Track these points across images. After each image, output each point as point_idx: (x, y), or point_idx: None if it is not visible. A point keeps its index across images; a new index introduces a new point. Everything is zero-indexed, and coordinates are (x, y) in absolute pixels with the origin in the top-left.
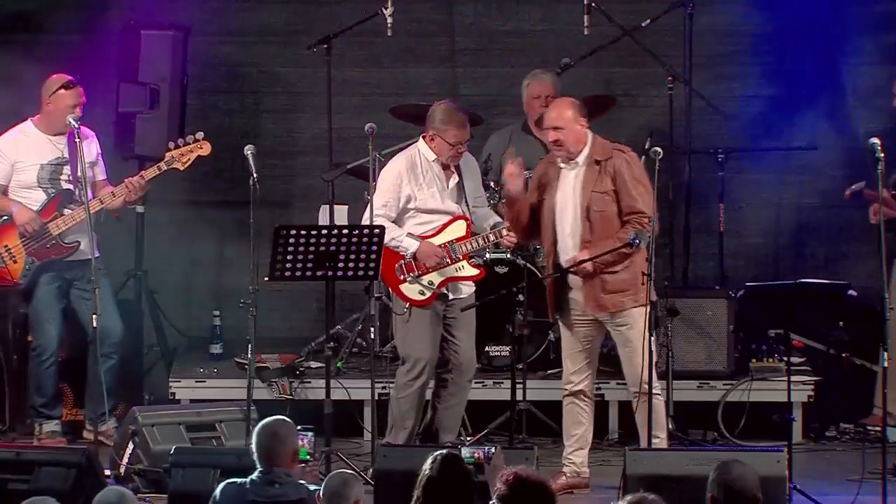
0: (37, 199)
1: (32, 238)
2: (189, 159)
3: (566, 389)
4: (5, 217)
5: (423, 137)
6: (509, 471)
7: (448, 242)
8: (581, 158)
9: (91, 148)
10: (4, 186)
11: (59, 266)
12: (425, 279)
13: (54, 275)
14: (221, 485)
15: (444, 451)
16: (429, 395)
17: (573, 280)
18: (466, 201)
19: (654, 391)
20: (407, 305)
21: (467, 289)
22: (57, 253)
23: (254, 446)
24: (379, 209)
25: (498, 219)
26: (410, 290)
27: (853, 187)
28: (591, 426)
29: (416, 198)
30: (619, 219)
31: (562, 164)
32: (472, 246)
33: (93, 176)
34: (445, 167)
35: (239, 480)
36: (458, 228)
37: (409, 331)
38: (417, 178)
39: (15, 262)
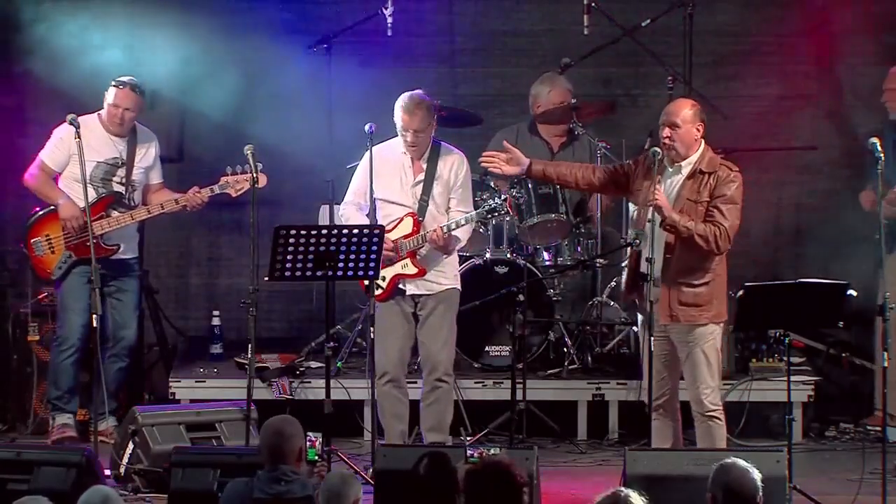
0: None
1: (75, 233)
2: (242, 188)
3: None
4: (52, 207)
5: None
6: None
7: (397, 239)
8: (686, 164)
9: (150, 152)
10: (56, 174)
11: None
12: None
13: (89, 269)
14: (230, 483)
15: (433, 450)
16: (418, 394)
17: (654, 292)
18: (425, 197)
19: (716, 415)
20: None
21: (437, 286)
22: (96, 253)
23: (260, 444)
24: (349, 196)
25: (455, 220)
26: (368, 284)
27: None
28: (679, 442)
29: (377, 186)
30: None
31: (669, 168)
32: (414, 244)
33: (147, 179)
34: (415, 161)
35: (246, 479)
36: (406, 225)
37: (375, 330)
38: (382, 167)
39: (53, 252)
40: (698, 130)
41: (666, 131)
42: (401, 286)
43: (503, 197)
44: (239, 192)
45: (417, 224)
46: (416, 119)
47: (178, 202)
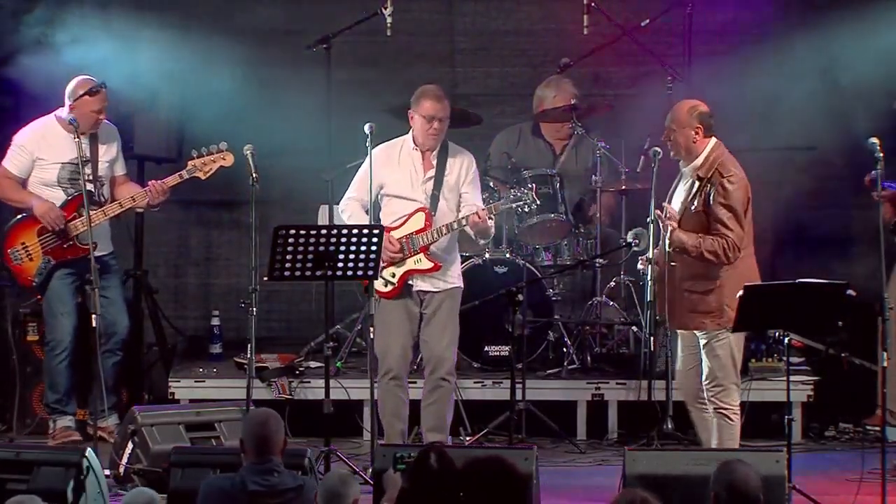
0: (57, 198)
1: (52, 234)
2: (211, 169)
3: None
4: (24, 214)
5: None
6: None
7: (408, 235)
8: (689, 169)
9: (112, 145)
10: (23, 180)
11: (75, 264)
12: (387, 272)
13: (69, 270)
14: (205, 483)
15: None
16: (419, 394)
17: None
18: (437, 193)
19: (730, 411)
20: (377, 298)
21: (443, 283)
22: (74, 253)
23: (246, 437)
24: (351, 192)
25: (469, 213)
26: (376, 282)
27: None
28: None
29: (387, 182)
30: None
31: (683, 169)
32: (429, 238)
33: (112, 172)
34: (426, 157)
35: (224, 475)
36: (418, 221)
37: (379, 326)
38: (392, 163)
39: (31, 259)
40: (696, 132)
41: (666, 133)
42: (409, 282)
43: (530, 186)
44: (208, 175)
45: (430, 218)
46: (444, 106)
47: (148, 192)
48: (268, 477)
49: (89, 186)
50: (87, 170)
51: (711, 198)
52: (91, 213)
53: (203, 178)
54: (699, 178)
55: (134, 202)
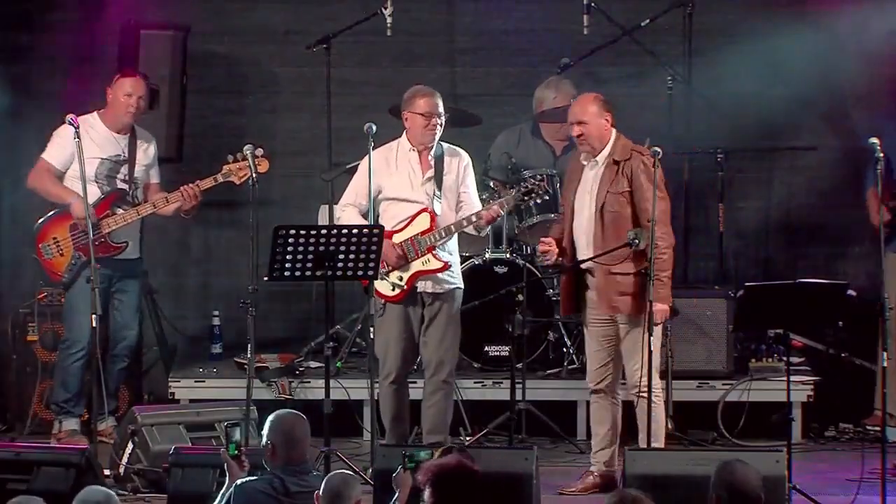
0: (92, 193)
1: (83, 233)
2: (246, 174)
3: (589, 388)
4: (57, 210)
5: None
6: (427, 466)
7: (413, 237)
8: (601, 157)
9: (150, 150)
10: (62, 173)
11: (104, 263)
12: (394, 275)
13: (98, 271)
14: (241, 489)
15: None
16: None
17: (589, 279)
18: (437, 194)
19: (654, 393)
20: (382, 302)
21: (446, 284)
22: (104, 251)
23: (278, 440)
24: (348, 197)
25: (470, 212)
26: (383, 286)
27: None
28: (617, 425)
29: (385, 186)
30: (632, 222)
31: (584, 162)
32: (436, 238)
33: (147, 178)
34: (423, 158)
35: (257, 478)
36: (423, 222)
37: (381, 329)
38: (390, 166)
39: (62, 255)
40: (607, 121)
41: (576, 129)
42: (415, 284)
43: (539, 177)
44: (242, 179)
45: (434, 218)
46: (438, 104)
47: (181, 195)
48: (305, 477)
49: (124, 185)
50: (125, 169)
51: (634, 175)
52: (124, 211)
53: (237, 182)
54: (615, 162)
55: (167, 203)
